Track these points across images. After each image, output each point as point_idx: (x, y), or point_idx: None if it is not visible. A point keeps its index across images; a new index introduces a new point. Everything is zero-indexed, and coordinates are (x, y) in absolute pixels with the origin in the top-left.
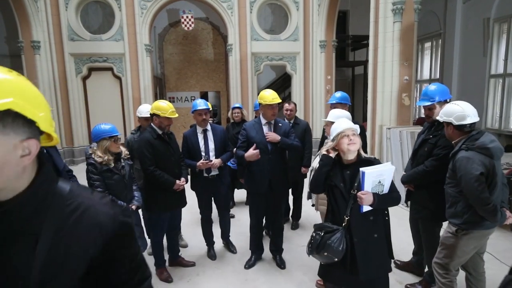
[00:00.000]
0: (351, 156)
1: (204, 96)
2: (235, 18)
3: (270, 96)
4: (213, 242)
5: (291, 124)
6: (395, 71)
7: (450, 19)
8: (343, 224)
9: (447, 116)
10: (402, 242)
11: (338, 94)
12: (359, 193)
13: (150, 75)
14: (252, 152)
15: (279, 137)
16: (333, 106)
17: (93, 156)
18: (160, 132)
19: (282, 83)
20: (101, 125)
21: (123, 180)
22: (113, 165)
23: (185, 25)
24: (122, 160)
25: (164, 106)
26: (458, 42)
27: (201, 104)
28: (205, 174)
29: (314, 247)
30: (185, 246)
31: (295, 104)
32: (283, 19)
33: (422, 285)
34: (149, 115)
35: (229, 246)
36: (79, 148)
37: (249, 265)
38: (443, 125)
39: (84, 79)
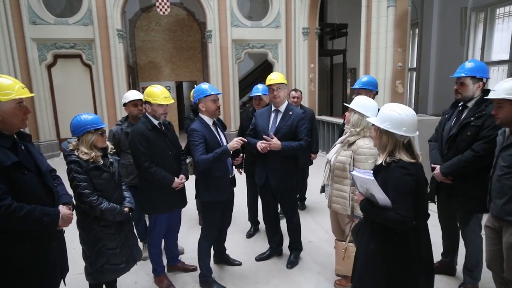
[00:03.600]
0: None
1: (178, 86)
2: (214, 2)
3: (269, 77)
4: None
5: (291, 113)
6: (389, 58)
7: (428, 8)
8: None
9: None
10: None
11: (365, 78)
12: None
13: (123, 63)
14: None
15: (280, 146)
16: (357, 92)
17: (76, 152)
18: (155, 122)
19: (261, 72)
20: (82, 115)
21: (113, 178)
22: (101, 162)
23: (160, 9)
24: (109, 156)
25: (156, 92)
26: (435, 31)
27: (212, 88)
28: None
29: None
30: (181, 252)
31: (301, 92)
32: (261, 5)
33: None
34: (135, 99)
35: None
36: (46, 143)
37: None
38: (486, 104)
39: (49, 67)
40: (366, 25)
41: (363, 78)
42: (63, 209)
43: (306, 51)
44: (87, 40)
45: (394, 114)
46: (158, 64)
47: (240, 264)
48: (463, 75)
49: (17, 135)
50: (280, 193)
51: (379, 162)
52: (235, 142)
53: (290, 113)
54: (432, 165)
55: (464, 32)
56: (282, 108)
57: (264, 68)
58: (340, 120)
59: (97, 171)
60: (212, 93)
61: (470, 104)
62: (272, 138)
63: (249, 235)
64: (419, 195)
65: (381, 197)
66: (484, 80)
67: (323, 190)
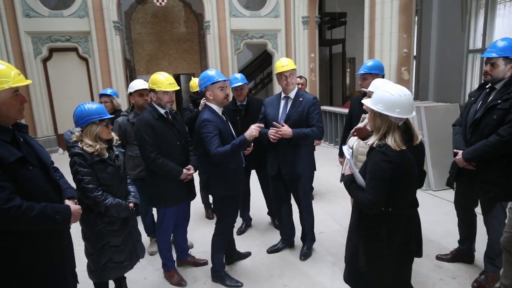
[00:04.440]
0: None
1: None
2: None
3: (280, 64)
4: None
5: (301, 100)
6: (394, 44)
7: None
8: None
9: None
10: (437, 234)
11: (370, 62)
12: None
13: (120, 56)
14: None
15: (291, 133)
16: (363, 77)
17: (79, 144)
18: (162, 111)
19: (260, 63)
20: (86, 104)
21: (118, 172)
22: (107, 155)
23: (157, 0)
24: (114, 148)
25: (161, 79)
26: (435, 18)
27: (220, 74)
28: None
29: None
30: (191, 246)
31: (306, 79)
32: None
33: (488, 278)
34: (141, 88)
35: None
36: (44, 139)
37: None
38: None
39: (45, 61)
40: (370, 11)
41: (368, 62)
42: (71, 205)
43: (306, 40)
44: (83, 32)
45: (386, 95)
46: (155, 57)
47: (249, 254)
48: (494, 55)
49: (14, 126)
50: (292, 182)
51: (369, 143)
52: (254, 131)
53: (301, 99)
54: (455, 150)
55: (465, 19)
56: (292, 94)
57: (262, 59)
58: (340, 110)
59: (102, 165)
60: (219, 79)
61: (498, 86)
62: (282, 126)
63: (240, 231)
64: (400, 183)
65: (357, 176)
66: None
67: (343, 178)
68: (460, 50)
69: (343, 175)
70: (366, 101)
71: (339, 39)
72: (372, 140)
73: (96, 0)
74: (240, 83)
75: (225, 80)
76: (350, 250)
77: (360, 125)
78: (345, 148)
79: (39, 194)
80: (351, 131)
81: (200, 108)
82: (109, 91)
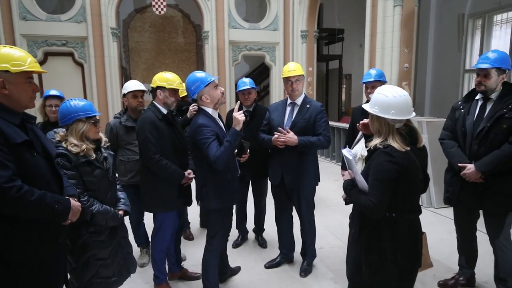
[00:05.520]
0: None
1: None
2: (212, 3)
3: (287, 68)
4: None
5: (308, 107)
6: (395, 58)
7: (424, 14)
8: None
9: None
10: (443, 253)
11: (374, 71)
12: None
13: (117, 62)
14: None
15: (297, 140)
16: (372, 85)
17: (63, 144)
18: (165, 111)
19: (257, 76)
20: (72, 101)
21: (106, 176)
22: (94, 156)
23: (156, 9)
24: (102, 150)
25: (171, 77)
26: (432, 38)
27: (208, 75)
28: None
29: None
30: (184, 258)
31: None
32: (257, 9)
33: None
34: (135, 89)
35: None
36: None
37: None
38: None
39: (40, 64)
40: (371, 25)
41: (372, 70)
42: (71, 200)
43: (304, 54)
44: (79, 38)
45: (381, 97)
46: (152, 66)
47: (239, 269)
48: (488, 66)
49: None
50: (295, 192)
51: (371, 145)
52: (239, 117)
53: (308, 106)
54: (460, 164)
55: (461, 39)
56: (299, 101)
57: (259, 71)
58: (337, 124)
59: (89, 167)
60: (212, 78)
61: (493, 96)
62: (288, 133)
63: (236, 244)
64: (404, 186)
65: (360, 179)
66: (507, 71)
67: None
68: (456, 70)
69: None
70: (365, 105)
71: (336, 55)
72: (374, 142)
73: (94, 6)
74: (248, 87)
75: (216, 78)
76: (351, 264)
77: (365, 120)
78: (345, 151)
79: (40, 183)
80: (357, 124)
81: (188, 115)
82: (55, 92)
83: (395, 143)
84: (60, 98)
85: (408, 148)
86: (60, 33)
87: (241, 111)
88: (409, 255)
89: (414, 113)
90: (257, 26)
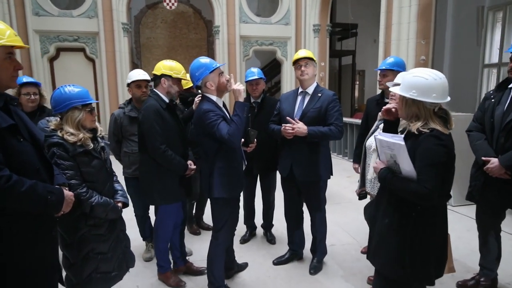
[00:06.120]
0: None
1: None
2: None
3: (297, 54)
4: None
5: (320, 95)
6: (411, 51)
7: (441, 7)
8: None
9: None
10: (461, 252)
11: (391, 59)
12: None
13: (128, 57)
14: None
15: (306, 130)
16: (383, 74)
17: (59, 133)
18: (167, 100)
19: (269, 72)
20: (66, 87)
21: (104, 166)
22: (91, 145)
23: (167, 4)
24: (99, 139)
25: (177, 66)
26: (449, 32)
27: (213, 61)
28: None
29: None
30: (190, 253)
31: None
32: (269, 4)
33: None
34: (139, 79)
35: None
36: None
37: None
38: None
39: (52, 60)
40: (386, 16)
41: (388, 59)
42: (64, 190)
43: (316, 48)
44: (91, 33)
45: (420, 80)
46: None
47: (246, 265)
48: None
49: (2, 97)
50: (305, 185)
51: (412, 129)
52: (238, 86)
53: (319, 95)
54: (483, 158)
55: (481, 32)
56: (310, 89)
57: (271, 67)
58: (350, 120)
59: (86, 157)
60: (218, 65)
61: None
62: (297, 123)
63: (244, 240)
64: (450, 169)
65: (407, 167)
66: None
67: (362, 185)
68: (475, 64)
69: (363, 182)
70: (394, 89)
71: (349, 51)
72: (415, 126)
73: (106, 1)
74: (256, 77)
75: (222, 65)
76: (388, 257)
77: (389, 105)
78: (374, 139)
79: (29, 171)
80: (379, 113)
81: (194, 106)
82: (30, 79)
83: (438, 126)
84: (37, 85)
85: (450, 131)
86: (72, 29)
87: (239, 83)
88: (442, 245)
89: (449, 97)
90: (269, 20)
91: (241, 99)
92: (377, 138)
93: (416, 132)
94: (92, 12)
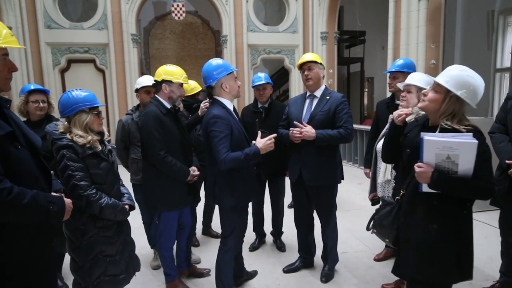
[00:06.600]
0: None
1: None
2: (230, 7)
3: (301, 58)
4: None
5: (328, 98)
6: (421, 55)
7: (450, 11)
8: (396, 198)
9: None
10: (479, 260)
11: (401, 61)
12: (416, 165)
13: (137, 68)
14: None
15: (314, 134)
16: (393, 76)
17: (68, 136)
18: (168, 106)
19: (277, 80)
20: (73, 91)
21: (112, 168)
22: (100, 148)
23: (176, 14)
24: (106, 143)
25: (176, 70)
26: (459, 36)
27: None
28: None
29: (368, 223)
30: (198, 261)
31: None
32: (276, 13)
33: None
34: (148, 84)
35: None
36: None
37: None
38: None
39: (63, 71)
40: (394, 21)
41: (398, 61)
42: (64, 198)
43: (324, 56)
44: (101, 44)
45: (471, 82)
46: None
47: (256, 273)
48: None
49: None
50: (315, 190)
51: (453, 126)
52: (269, 142)
53: (328, 97)
54: (508, 162)
55: (491, 37)
56: (318, 93)
57: (279, 76)
58: (359, 126)
59: (95, 159)
60: (235, 69)
61: None
62: (305, 126)
63: (253, 247)
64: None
65: (468, 165)
66: None
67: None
68: (486, 69)
69: (374, 186)
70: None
71: (358, 58)
72: (455, 124)
73: (116, 13)
74: (263, 82)
75: (237, 70)
76: (445, 264)
77: (405, 110)
78: (430, 136)
79: (29, 180)
80: (390, 116)
81: (200, 112)
82: (38, 86)
83: (472, 124)
84: (45, 93)
85: None
86: (83, 40)
87: (272, 140)
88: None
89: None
90: (276, 29)
91: (262, 151)
92: (428, 139)
93: (457, 128)
94: (102, 24)
